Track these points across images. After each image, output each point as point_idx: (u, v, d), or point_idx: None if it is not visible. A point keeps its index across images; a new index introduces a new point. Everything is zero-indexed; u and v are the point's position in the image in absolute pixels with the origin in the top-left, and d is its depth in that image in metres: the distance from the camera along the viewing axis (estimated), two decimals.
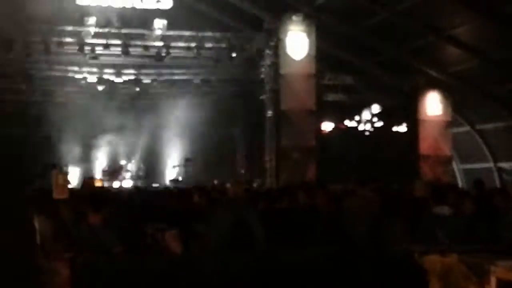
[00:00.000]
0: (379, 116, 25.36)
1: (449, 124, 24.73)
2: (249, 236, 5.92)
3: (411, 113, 24.78)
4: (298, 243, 5.98)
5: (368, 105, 25.43)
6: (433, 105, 24.53)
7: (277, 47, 23.16)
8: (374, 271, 5.06)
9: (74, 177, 23.25)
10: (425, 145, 24.33)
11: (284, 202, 8.22)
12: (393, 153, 24.14)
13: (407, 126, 25.47)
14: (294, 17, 22.63)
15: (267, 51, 23.87)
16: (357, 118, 25.59)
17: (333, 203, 7.41)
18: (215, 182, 22.70)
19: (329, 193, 8.15)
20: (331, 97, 25.23)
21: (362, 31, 22.32)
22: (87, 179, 20.36)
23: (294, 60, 22.74)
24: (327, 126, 25.57)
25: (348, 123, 25.75)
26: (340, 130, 25.79)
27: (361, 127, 25.59)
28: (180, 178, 27.02)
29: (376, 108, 25.29)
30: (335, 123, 25.76)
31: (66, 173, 5.90)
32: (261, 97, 24.67)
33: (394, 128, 25.66)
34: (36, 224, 5.04)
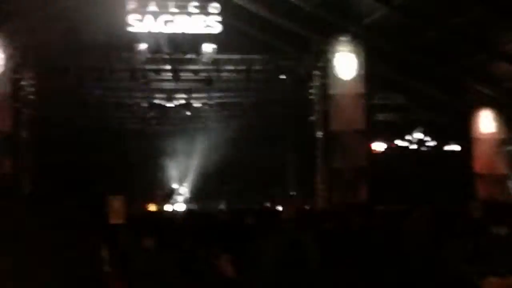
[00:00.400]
0: (431, 135, 25.01)
1: (504, 141, 24.20)
2: (303, 259, 5.86)
3: (464, 132, 24.35)
4: (352, 265, 5.90)
5: (419, 124, 25.12)
6: (486, 122, 24.05)
7: (326, 68, 23.13)
8: None
9: (128, 202, 23.52)
10: (480, 164, 23.84)
11: (338, 223, 8.14)
12: (446, 173, 23.72)
13: (460, 145, 25.02)
14: (342, 38, 22.61)
15: (316, 72, 23.84)
16: (408, 137, 25.28)
17: (388, 224, 7.30)
18: (267, 204, 22.69)
19: (384, 214, 8.04)
20: (381, 116, 25.02)
21: (412, 49, 22.13)
22: (143, 204, 20.65)
23: (343, 81, 22.67)
24: (378, 146, 25.33)
25: (399, 142, 25.46)
26: (391, 150, 25.51)
27: (413, 147, 25.26)
28: (232, 200, 27.10)
29: (427, 127, 24.97)
30: (386, 143, 25.50)
31: (121, 199, 5.96)
32: (310, 118, 24.61)
33: (447, 147, 25.25)
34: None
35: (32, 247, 1.08)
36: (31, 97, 23.35)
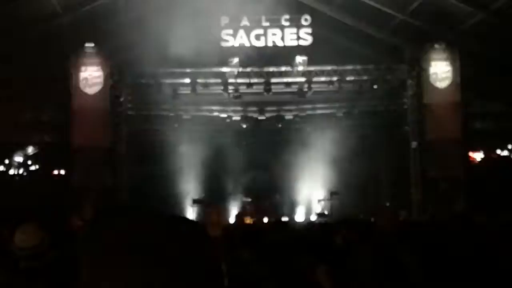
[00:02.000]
0: None
1: None
2: (402, 272, 5.74)
3: None
4: (455, 278, 5.72)
5: None
6: None
7: (420, 77, 22.73)
8: None
9: (224, 214, 23.79)
10: None
11: (438, 235, 7.92)
12: None
13: None
14: (436, 46, 22.16)
15: (410, 81, 23.45)
16: (509, 146, 24.36)
17: (492, 237, 7.03)
18: (361, 216, 22.39)
19: (486, 226, 7.76)
20: (479, 125, 24.25)
21: (509, 54, 21.38)
22: (239, 216, 20.78)
23: (438, 89, 22.21)
24: (476, 155, 24.54)
25: (499, 152, 24.57)
26: (490, 159, 24.65)
27: None
28: (326, 212, 26.91)
29: None
30: (484, 152, 24.67)
31: (220, 211, 6.02)
32: (405, 128, 24.18)
33: None
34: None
35: (149, 260, 1.09)
36: (129, 112, 24.12)
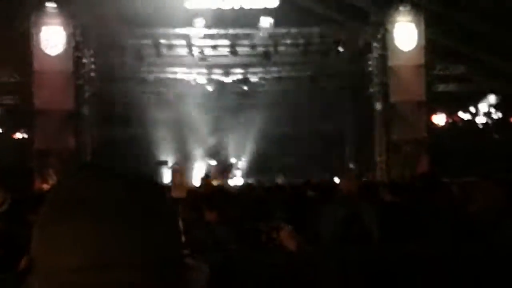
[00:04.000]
0: (497, 106, 24.29)
1: None
2: (364, 232, 5.78)
3: None
4: (415, 239, 5.78)
5: (484, 96, 24.45)
6: None
7: (385, 39, 22.78)
8: (499, 271, 4.81)
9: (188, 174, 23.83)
10: None
11: (398, 196, 8.00)
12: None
13: None
14: (401, 8, 22.18)
15: (375, 44, 23.49)
16: (472, 109, 24.66)
17: (455, 197, 7.13)
18: (326, 177, 22.58)
19: (450, 187, 7.86)
20: (442, 88, 24.47)
21: (474, 17, 21.51)
22: (204, 178, 20.77)
23: (402, 52, 22.28)
24: (439, 118, 24.82)
25: (462, 115, 24.86)
26: (453, 122, 24.96)
27: (477, 120, 24.60)
28: (289, 174, 27.07)
29: (493, 98, 24.25)
30: (448, 115, 24.95)
31: (184, 172, 5.99)
32: (370, 90, 24.30)
33: None
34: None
35: (111, 219, 1.05)
36: (92, 74, 23.76)
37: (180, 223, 1.18)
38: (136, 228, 1.05)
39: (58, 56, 21.33)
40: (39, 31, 21.22)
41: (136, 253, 1.04)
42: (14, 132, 24.41)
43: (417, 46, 22.08)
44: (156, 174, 24.69)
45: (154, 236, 1.06)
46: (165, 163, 26.01)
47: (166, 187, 7.51)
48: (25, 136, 24.14)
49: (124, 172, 1.14)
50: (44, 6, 21.20)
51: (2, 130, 24.32)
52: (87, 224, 1.03)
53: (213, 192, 6.33)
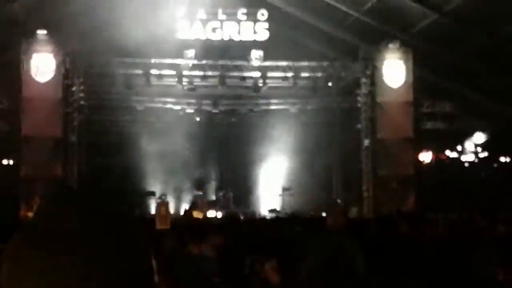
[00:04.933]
0: (484, 145, 24.37)
1: None
2: (349, 266, 5.75)
3: None
4: (400, 274, 5.76)
5: (471, 134, 24.58)
6: None
7: (374, 75, 22.97)
8: None
9: (172, 207, 23.68)
10: None
11: (386, 230, 8.00)
12: (502, 186, 23.04)
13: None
14: (390, 45, 22.40)
15: (364, 80, 23.66)
16: (459, 147, 24.76)
17: (442, 234, 7.14)
18: (312, 212, 22.54)
19: (435, 223, 7.88)
20: (430, 125, 24.60)
21: (462, 56, 21.77)
22: (187, 210, 20.68)
23: (391, 88, 22.47)
24: (426, 155, 24.89)
25: (449, 153, 24.94)
26: (440, 159, 25.03)
27: (464, 158, 24.66)
28: (277, 208, 26.99)
29: (480, 137, 24.38)
30: (435, 152, 25.04)
31: (168, 204, 5.97)
32: (357, 126, 24.40)
33: (502, 159, 24.50)
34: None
35: (81, 252, 1.04)
36: (81, 102, 23.74)
37: (153, 262, 1.17)
38: (107, 262, 1.03)
39: (47, 83, 21.33)
40: (29, 58, 21.24)
41: (106, 285, 1.02)
42: (1, 159, 24.23)
43: (405, 83, 22.29)
44: (143, 204, 24.56)
45: (124, 270, 1.05)
46: (152, 193, 25.87)
47: (151, 219, 7.48)
48: (12, 162, 23.97)
49: (102, 207, 1.13)
50: (35, 34, 21.24)
51: None
52: (60, 256, 1.02)
53: (196, 225, 6.30)
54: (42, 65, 21.28)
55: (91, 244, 1.05)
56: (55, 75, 21.45)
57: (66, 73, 22.13)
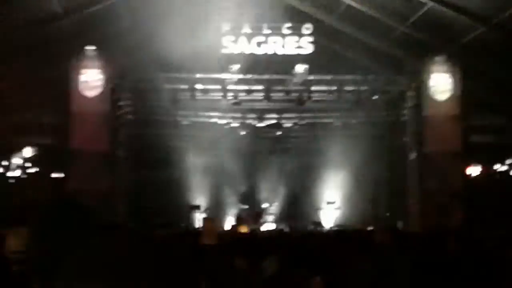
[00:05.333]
0: None
1: None
2: (397, 284, 5.70)
3: None
4: None
5: None
6: None
7: (420, 89, 22.72)
8: None
9: (219, 222, 23.77)
10: None
11: (434, 249, 7.88)
12: None
13: None
14: (437, 58, 22.15)
15: (409, 93, 23.43)
16: (508, 161, 24.24)
17: (489, 252, 7.00)
18: (358, 226, 22.38)
19: (483, 241, 7.72)
20: (478, 138, 24.16)
21: (510, 68, 21.35)
22: (235, 225, 20.73)
23: (437, 102, 22.21)
24: (474, 170, 24.45)
25: (498, 167, 24.45)
26: (489, 174, 24.54)
27: None
28: (322, 222, 26.89)
29: None
30: (483, 166, 24.57)
31: (215, 219, 6.00)
32: (404, 139, 24.16)
33: None
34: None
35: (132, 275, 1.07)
36: (128, 117, 24.08)
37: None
38: None
39: (95, 98, 21.72)
40: (78, 73, 21.68)
41: None
42: (50, 172, 24.70)
43: (452, 96, 22.00)
44: (189, 218, 24.71)
45: None
46: (197, 207, 26.03)
47: (196, 233, 7.50)
48: (61, 176, 24.41)
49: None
50: (83, 50, 21.67)
51: (39, 169, 24.65)
52: None
53: (242, 239, 6.30)
54: (91, 81, 21.69)
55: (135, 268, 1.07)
56: (103, 90, 21.82)
57: (114, 88, 22.48)
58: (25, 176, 24.02)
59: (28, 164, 24.14)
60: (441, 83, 22.07)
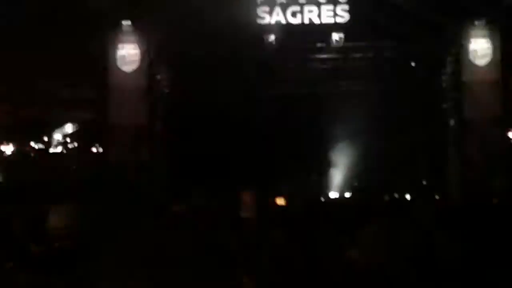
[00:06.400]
0: None
1: None
2: (438, 259, 5.70)
3: None
4: (492, 267, 5.63)
5: None
6: None
7: (459, 54, 22.33)
8: None
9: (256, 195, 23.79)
10: None
11: (474, 221, 7.81)
12: None
13: None
14: (476, 22, 21.72)
15: (449, 59, 23.04)
16: None
17: None
18: (396, 195, 22.29)
19: None
20: None
21: None
22: (272, 197, 20.80)
23: (477, 67, 21.83)
24: None
25: None
26: None
27: None
28: (361, 189, 26.84)
29: None
30: None
31: (253, 193, 6.07)
32: (443, 106, 23.84)
33: None
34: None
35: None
36: (165, 90, 24.21)
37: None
38: None
39: (132, 72, 21.89)
40: (115, 48, 21.83)
41: None
42: (90, 147, 25.09)
43: (492, 61, 21.60)
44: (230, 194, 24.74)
45: None
46: (239, 183, 25.98)
47: (235, 207, 7.60)
48: (100, 150, 24.78)
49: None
50: (120, 24, 21.79)
51: (79, 144, 25.06)
52: None
53: (279, 211, 6.36)
54: (127, 55, 21.84)
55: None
56: (140, 65, 21.96)
57: (151, 62, 22.59)
58: (65, 151, 24.47)
59: (68, 140, 24.57)
60: (480, 48, 21.67)
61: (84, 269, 3.29)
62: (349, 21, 22.32)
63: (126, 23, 21.78)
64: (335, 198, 24.27)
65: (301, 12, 22.36)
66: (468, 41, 21.89)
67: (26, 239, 5.70)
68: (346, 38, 22.51)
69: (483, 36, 21.67)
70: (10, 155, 24.51)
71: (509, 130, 23.55)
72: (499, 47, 21.50)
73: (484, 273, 5.35)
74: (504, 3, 20.83)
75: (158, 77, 23.54)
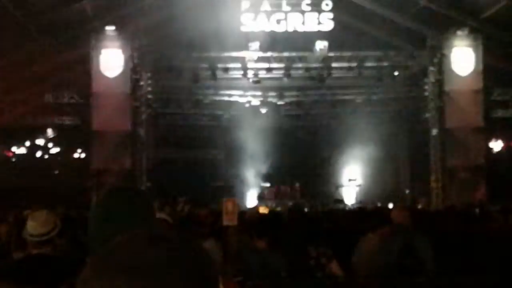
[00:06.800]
0: None
1: None
2: (418, 264, 5.70)
3: None
4: (473, 272, 5.66)
5: None
6: None
7: (441, 64, 22.48)
8: None
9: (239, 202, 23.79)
10: None
11: (455, 226, 7.86)
12: None
13: None
14: (458, 32, 21.89)
15: (431, 68, 23.19)
16: None
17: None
18: (379, 204, 22.35)
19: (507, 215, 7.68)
20: (501, 113, 23.95)
21: None
22: (254, 206, 20.78)
23: (459, 76, 21.98)
24: (497, 144, 24.27)
25: None
26: (511, 149, 24.37)
27: None
28: (344, 199, 26.87)
29: None
30: (506, 141, 24.37)
31: (235, 200, 6.04)
32: (425, 115, 23.98)
33: None
34: (206, 245, 5.20)
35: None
36: (149, 96, 24.15)
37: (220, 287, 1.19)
38: None
39: (116, 78, 21.79)
40: (99, 53, 21.74)
41: None
42: (73, 152, 24.95)
43: (474, 70, 21.75)
44: (214, 197, 24.79)
45: None
46: (221, 187, 26.06)
47: (217, 214, 7.57)
48: (83, 155, 24.65)
49: (168, 236, 1.15)
50: (103, 30, 21.72)
51: (61, 149, 24.90)
52: (124, 285, 1.05)
53: (262, 220, 6.33)
54: (111, 61, 21.74)
55: (158, 276, 1.07)
56: (123, 70, 21.88)
57: (134, 68, 22.53)
58: (48, 156, 24.31)
59: (51, 145, 24.41)
60: (462, 57, 21.82)
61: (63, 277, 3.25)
62: (333, 29, 22.35)
63: (110, 28, 21.70)
64: (317, 208, 24.23)
65: (285, 19, 22.36)
66: (450, 51, 22.03)
67: (9, 246, 5.64)
68: (330, 47, 22.56)
69: (466, 46, 21.83)
70: None
71: (490, 140, 23.74)
72: (481, 57, 21.65)
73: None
74: (485, 13, 20.99)
75: (142, 82, 23.48)
